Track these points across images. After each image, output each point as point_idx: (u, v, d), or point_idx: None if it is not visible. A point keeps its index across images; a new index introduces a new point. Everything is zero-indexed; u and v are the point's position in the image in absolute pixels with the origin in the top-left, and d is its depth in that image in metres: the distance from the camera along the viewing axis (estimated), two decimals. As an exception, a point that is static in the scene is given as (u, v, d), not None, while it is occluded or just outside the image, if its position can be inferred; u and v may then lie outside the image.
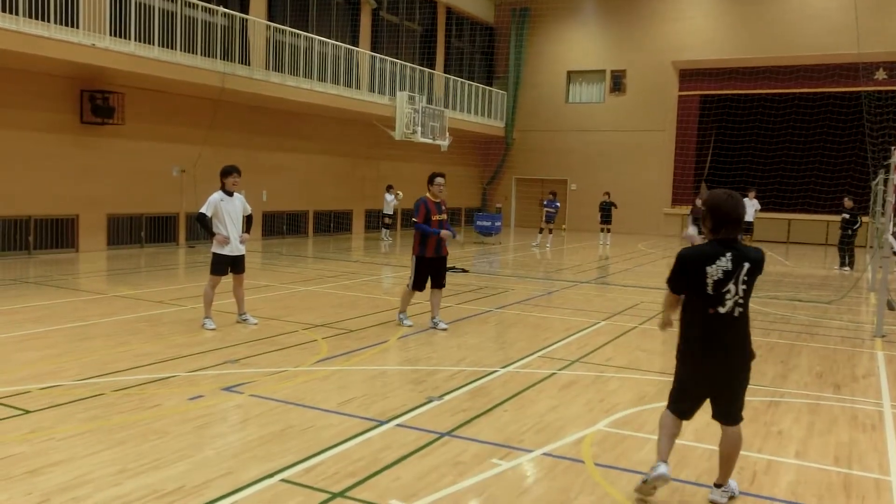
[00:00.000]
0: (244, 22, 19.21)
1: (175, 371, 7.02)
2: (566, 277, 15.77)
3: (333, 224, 24.84)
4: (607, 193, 25.52)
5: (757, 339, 6.79)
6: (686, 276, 4.35)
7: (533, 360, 8.05)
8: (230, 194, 9.12)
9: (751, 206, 22.78)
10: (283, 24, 20.61)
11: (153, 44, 16.22)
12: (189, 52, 17.13)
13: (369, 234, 25.86)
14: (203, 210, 9.01)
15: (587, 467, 4.96)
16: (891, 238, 11.87)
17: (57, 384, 6.45)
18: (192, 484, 4.43)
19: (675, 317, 4.61)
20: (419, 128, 22.16)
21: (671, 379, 4.69)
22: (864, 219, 20.53)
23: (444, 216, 9.50)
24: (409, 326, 9.52)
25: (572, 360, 8.07)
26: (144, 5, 16.15)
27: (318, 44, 21.08)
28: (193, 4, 17.15)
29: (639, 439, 5.56)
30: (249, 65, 19.10)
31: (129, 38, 15.64)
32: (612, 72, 31.03)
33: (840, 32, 25.64)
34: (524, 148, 32.40)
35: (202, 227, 9.13)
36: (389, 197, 22.94)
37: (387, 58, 24.30)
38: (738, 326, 4.35)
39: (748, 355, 4.43)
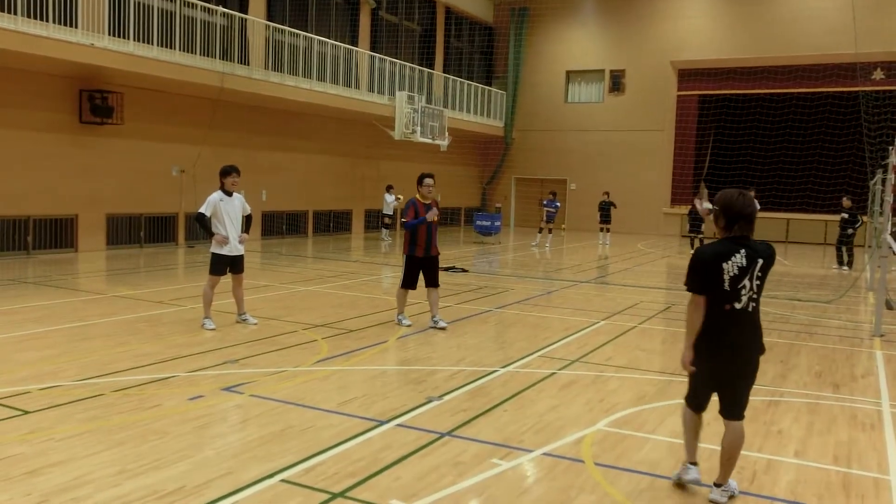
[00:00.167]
0: (243, 22, 19.20)
1: (175, 371, 7.02)
2: (566, 277, 15.77)
3: (333, 224, 24.84)
4: (606, 193, 25.53)
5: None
6: (705, 275, 4.41)
7: (533, 359, 8.05)
8: (229, 194, 9.12)
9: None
10: (283, 24, 20.60)
11: (152, 43, 16.21)
12: (188, 51, 17.13)
13: (369, 233, 25.86)
14: (202, 210, 9.00)
15: (587, 467, 4.96)
16: (889, 238, 11.88)
17: (56, 384, 6.45)
18: (193, 484, 4.43)
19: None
20: (418, 127, 22.16)
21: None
22: (864, 218, 20.55)
23: (435, 218, 9.52)
24: (409, 326, 9.53)
25: (572, 360, 8.07)
26: (143, 5, 16.14)
27: (317, 43, 21.08)
28: (192, 4, 17.14)
29: (639, 439, 5.56)
30: (248, 64, 19.09)
31: (128, 38, 15.63)
32: (611, 71, 31.04)
33: (838, 32, 25.67)
34: (523, 148, 32.41)
35: (201, 227, 9.13)
36: (390, 198, 22.93)
37: (386, 57, 24.30)
38: (753, 321, 4.47)
39: (761, 349, 4.53)
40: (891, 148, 12.89)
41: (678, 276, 17.26)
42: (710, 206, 4.95)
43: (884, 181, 14.78)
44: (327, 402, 6.18)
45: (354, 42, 24.05)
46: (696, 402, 4.66)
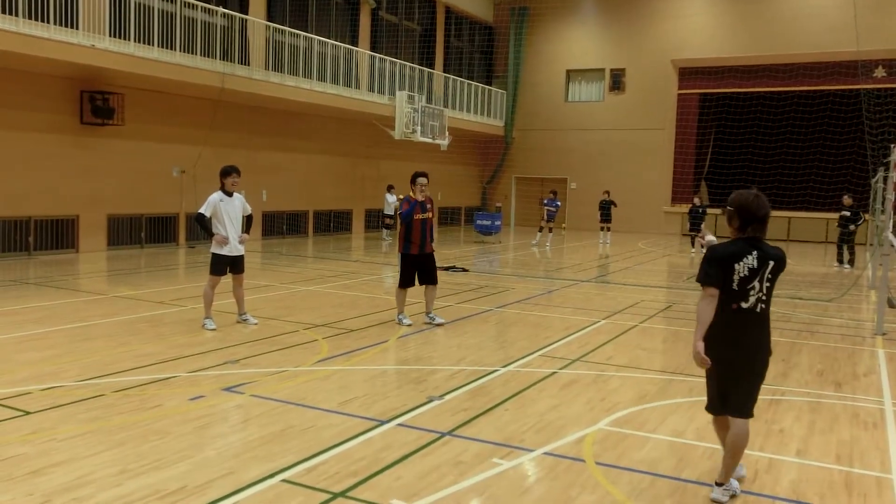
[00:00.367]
0: (243, 22, 19.20)
1: (176, 371, 7.02)
2: (566, 276, 15.77)
3: (333, 224, 24.84)
4: (607, 192, 25.51)
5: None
6: (721, 270, 4.44)
7: (533, 359, 8.05)
8: (229, 194, 9.12)
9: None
10: (283, 24, 20.60)
11: (153, 44, 16.22)
12: (189, 52, 17.13)
13: (369, 233, 25.86)
14: (202, 210, 9.01)
15: (588, 466, 4.96)
16: (890, 235, 11.87)
17: (58, 385, 6.45)
18: (194, 484, 4.43)
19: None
20: (419, 127, 22.15)
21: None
22: (867, 216, 20.53)
23: (429, 214, 9.61)
24: (409, 326, 9.53)
25: (573, 359, 8.07)
26: (144, 6, 16.14)
27: (317, 44, 21.08)
28: (193, 5, 17.15)
29: (640, 438, 5.56)
30: (249, 65, 19.09)
31: (129, 39, 15.63)
32: (612, 70, 31.02)
33: (839, 30, 25.64)
34: (524, 147, 32.40)
35: (201, 228, 9.13)
36: (391, 198, 22.93)
37: (386, 57, 24.30)
38: (760, 321, 4.49)
39: (768, 350, 4.54)
40: (892, 146, 12.87)
41: (679, 274, 17.28)
42: (713, 239, 5.00)
43: (885, 179, 14.77)
44: (328, 402, 6.18)
45: (354, 42, 24.05)
46: (712, 405, 4.69)
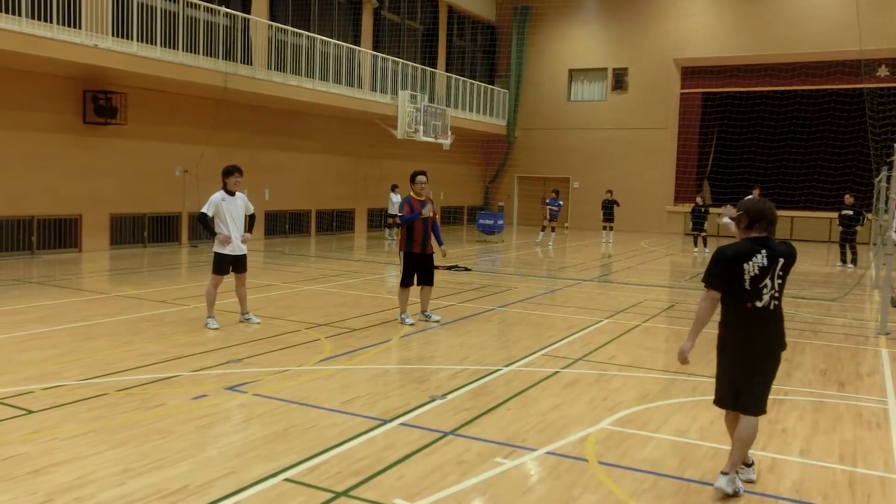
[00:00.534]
0: (246, 22, 19.21)
1: (178, 371, 7.02)
2: (569, 276, 15.75)
3: (336, 223, 24.84)
4: (609, 191, 25.48)
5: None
6: (726, 272, 4.52)
7: (536, 358, 8.04)
8: (232, 194, 9.13)
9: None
10: (285, 24, 20.60)
11: (155, 44, 16.22)
12: (191, 52, 17.14)
13: (372, 232, 25.86)
14: (204, 210, 9.01)
15: (591, 466, 4.95)
16: (894, 235, 11.84)
17: (60, 384, 6.45)
18: (196, 483, 4.43)
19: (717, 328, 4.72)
20: (421, 126, 22.14)
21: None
22: (869, 215, 20.50)
23: (430, 214, 9.61)
24: (411, 325, 9.53)
25: (575, 359, 8.06)
26: (146, 6, 16.15)
27: (319, 43, 21.07)
28: (195, 5, 17.15)
29: (642, 437, 5.55)
30: (251, 64, 19.10)
31: (132, 39, 15.64)
32: (614, 70, 30.98)
33: (842, 29, 25.58)
34: (526, 146, 32.37)
35: (204, 227, 9.14)
36: (395, 197, 22.92)
37: (388, 57, 24.29)
38: (774, 319, 4.58)
39: (782, 346, 4.64)
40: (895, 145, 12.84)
41: (681, 274, 17.25)
42: (729, 221, 5.06)
43: (889, 178, 14.75)
44: (330, 402, 6.17)
45: (357, 41, 24.04)
46: (727, 403, 4.71)
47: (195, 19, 17.36)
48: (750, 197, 4.81)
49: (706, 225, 22.13)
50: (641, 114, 30.33)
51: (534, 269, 17.08)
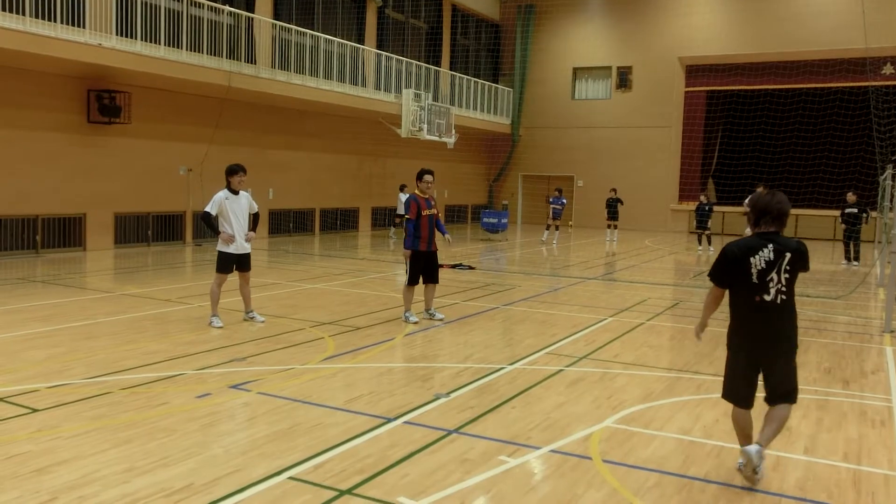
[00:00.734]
0: (250, 21, 19.22)
1: (182, 369, 7.03)
2: (573, 274, 15.74)
3: (340, 221, 24.86)
4: (614, 190, 25.47)
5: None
6: (731, 269, 4.66)
7: (540, 356, 8.03)
8: (235, 192, 9.14)
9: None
10: (289, 23, 20.61)
11: (159, 43, 16.25)
12: (195, 51, 17.17)
13: (376, 231, 25.87)
14: (208, 209, 9.03)
15: (595, 464, 4.94)
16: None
17: (64, 383, 6.47)
18: (201, 482, 4.44)
19: (724, 309, 4.85)
20: (425, 125, 22.15)
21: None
22: (873, 213, 20.44)
23: (434, 211, 9.69)
24: (415, 323, 9.54)
25: (580, 357, 8.05)
26: (150, 5, 16.17)
27: (323, 42, 21.08)
28: (199, 4, 17.17)
29: (646, 436, 5.54)
30: (255, 63, 19.11)
31: (136, 38, 15.67)
32: (619, 68, 30.94)
33: (847, 27, 25.50)
34: (530, 145, 32.35)
35: (208, 226, 9.15)
36: (404, 196, 22.94)
37: (392, 55, 24.29)
38: (783, 313, 4.63)
39: (793, 341, 4.68)
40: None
41: (686, 272, 17.23)
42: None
43: (894, 176, 14.70)
44: (334, 400, 6.18)
45: (361, 40, 24.04)
46: (736, 396, 4.77)
47: (199, 18, 17.38)
48: (758, 191, 4.82)
49: (710, 223, 22.08)
50: (646, 112, 30.28)
51: (538, 267, 17.06)
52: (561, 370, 7.44)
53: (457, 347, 8.40)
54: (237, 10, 18.60)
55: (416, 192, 9.66)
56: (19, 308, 9.91)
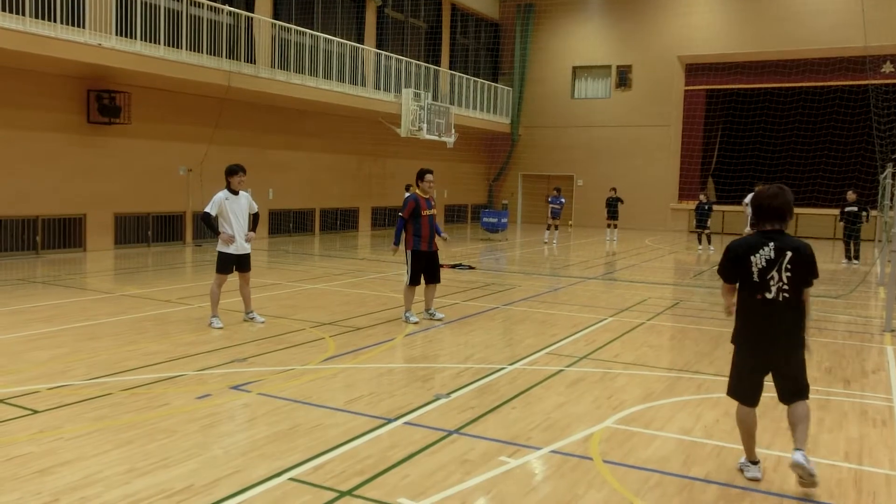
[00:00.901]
0: (249, 20, 19.21)
1: (183, 370, 7.03)
2: (573, 273, 15.74)
3: (340, 221, 24.86)
4: (614, 189, 25.46)
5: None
6: (735, 266, 4.73)
7: (540, 356, 8.04)
8: (235, 193, 9.14)
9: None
10: (289, 23, 20.60)
11: (159, 43, 16.24)
12: (195, 51, 17.16)
13: (376, 231, 25.87)
14: (207, 209, 9.02)
15: (595, 464, 4.94)
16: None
17: (65, 384, 6.47)
18: (201, 483, 4.44)
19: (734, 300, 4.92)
20: (425, 125, 22.15)
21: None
22: (873, 212, 20.44)
23: (433, 211, 9.70)
24: (416, 324, 9.54)
25: (580, 357, 8.05)
26: (150, 5, 16.17)
27: (323, 41, 21.08)
28: (199, 3, 17.16)
29: (647, 436, 5.54)
30: (255, 63, 19.11)
31: (135, 38, 15.67)
32: (618, 67, 30.94)
33: (846, 26, 25.50)
34: (530, 144, 32.35)
35: (207, 227, 9.15)
36: None
37: (392, 55, 24.28)
38: (786, 311, 4.64)
39: (799, 339, 4.68)
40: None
41: (686, 271, 17.23)
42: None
43: (894, 175, 14.70)
44: (335, 401, 6.18)
45: (360, 40, 24.04)
46: (742, 394, 4.79)
47: (199, 18, 17.37)
48: (759, 188, 4.80)
49: (710, 222, 22.08)
50: (645, 111, 30.28)
51: (538, 267, 17.06)
52: (561, 370, 7.44)
53: (457, 348, 8.40)
54: (237, 10, 18.59)
55: (417, 191, 9.67)
56: (21, 309, 9.91)
